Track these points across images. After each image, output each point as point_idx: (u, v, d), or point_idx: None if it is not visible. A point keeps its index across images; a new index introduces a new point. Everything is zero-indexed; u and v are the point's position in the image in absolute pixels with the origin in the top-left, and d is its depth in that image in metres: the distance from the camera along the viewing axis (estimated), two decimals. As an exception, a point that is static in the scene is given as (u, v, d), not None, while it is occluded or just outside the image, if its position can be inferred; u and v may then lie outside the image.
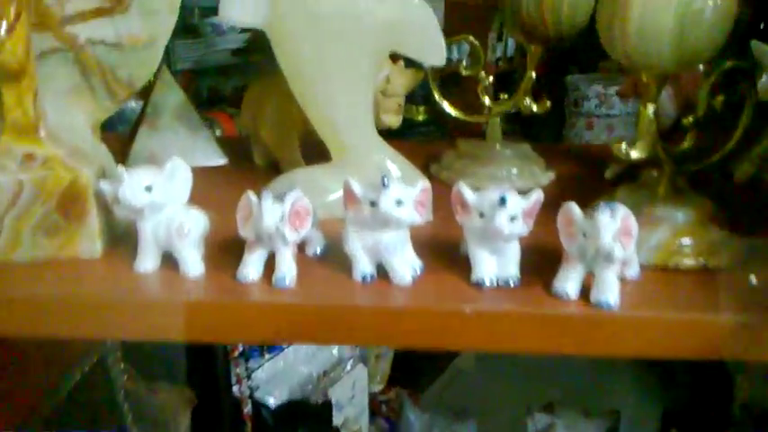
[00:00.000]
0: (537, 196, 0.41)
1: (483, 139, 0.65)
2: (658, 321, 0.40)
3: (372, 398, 1.32)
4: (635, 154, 0.45)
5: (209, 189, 0.52)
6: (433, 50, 0.50)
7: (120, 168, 0.43)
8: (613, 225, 0.38)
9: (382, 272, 0.43)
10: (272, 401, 1.11)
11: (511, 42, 1.92)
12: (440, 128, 1.68)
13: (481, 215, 0.41)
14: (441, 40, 0.50)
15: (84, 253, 0.46)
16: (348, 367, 1.23)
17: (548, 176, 0.63)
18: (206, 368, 1.05)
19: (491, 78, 0.63)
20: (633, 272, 0.43)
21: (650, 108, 0.45)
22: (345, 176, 0.43)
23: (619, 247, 0.38)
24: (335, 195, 0.49)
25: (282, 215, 0.41)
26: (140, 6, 0.48)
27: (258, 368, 1.12)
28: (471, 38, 0.63)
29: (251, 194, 0.43)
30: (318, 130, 0.53)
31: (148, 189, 0.43)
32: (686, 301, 0.41)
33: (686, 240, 0.45)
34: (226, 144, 0.70)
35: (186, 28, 1.55)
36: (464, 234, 0.43)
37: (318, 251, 0.48)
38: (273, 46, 0.50)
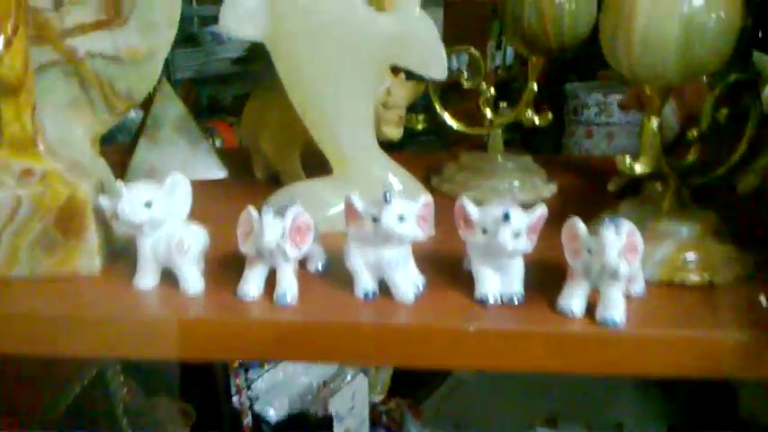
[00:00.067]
0: (541, 212, 0.41)
1: (484, 150, 0.65)
2: (665, 340, 0.39)
3: (373, 408, 1.31)
4: (639, 168, 0.45)
5: (209, 202, 0.51)
6: (435, 63, 0.50)
7: (120, 184, 0.42)
8: (619, 242, 0.38)
9: (384, 287, 0.43)
10: (271, 412, 1.10)
11: (510, 51, 1.92)
12: (439, 137, 1.68)
13: (484, 231, 0.41)
14: (442, 53, 0.50)
15: (83, 269, 0.46)
16: (348, 378, 1.22)
17: (550, 189, 0.62)
18: (205, 379, 1.05)
19: (492, 90, 0.63)
20: (638, 288, 0.43)
21: (654, 121, 0.44)
22: (346, 190, 0.43)
23: (624, 263, 0.38)
24: (337, 209, 0.49)
25: (283, 231, 0.41)
26: (139, 20, 0.48)
27: (258, 378, 1.12)
28: (472, 49, 0.62)
29: (252, 210, 0.42)
30: (319, 142, 0.52)
31: (148, 205, 0.42)
32: (693, 319, 0.41)
33: (691, 255, 0.45)
34: (226, 156, 0.69)
35: (186, 37, 1.55)
36: (467, 250, 0.43)
37: (320, 267, 0.47)
38: (274, 58, 0.50)
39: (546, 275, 0.43)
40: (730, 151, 0.48)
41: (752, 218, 0.52)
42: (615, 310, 0.39)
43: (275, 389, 1.14)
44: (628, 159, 0.45)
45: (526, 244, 0.40)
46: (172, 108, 0.66)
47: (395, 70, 0.57)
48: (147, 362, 0.94)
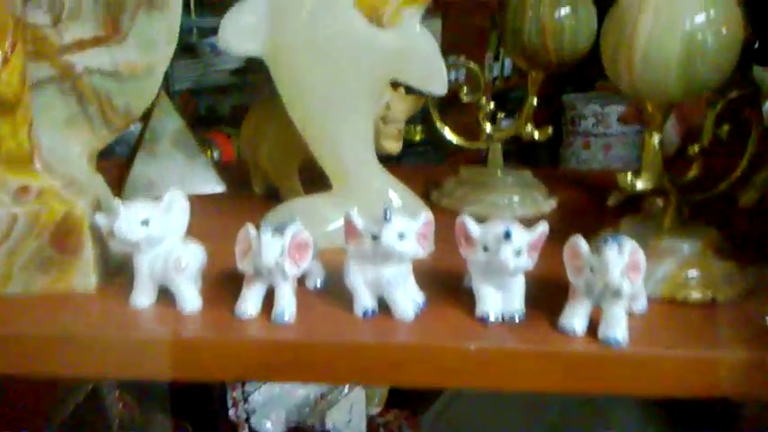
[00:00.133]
0: (542, 229, 0.40)
1: (482, 161, 0.65)
2: (668, 359, 0.39)
3: (370, 420, 1.30)
4: (641, 184, 0.45)
5: (207, 218, 0.51)
6: (435, 79, 0.49)
7: (117, 201, 0.42)
8: (621, 260, 0.38)
9: (384, 305, 0.42)
10: (268, 425, 1.09)
11: (508, 61, 1.93)
12: (437, 147, 1.68)
13: (486, 249, 0.40)
14: (442, 69, 0.49)
15: (79, 287, 0.45)
16: (345, 390, 1.21)
17: (549, 204, 0.62)
18: (201, 392, 1.04)
19: (492, 105, 0.63)
20: (641, 305, 0.42)
21: (656, 138, 0.44)
22: (346, 206, 0.42)
23: (627, 282, 0.38)
24: (336, 225, 0.49)
25: (282, 249, 0.41)
26: (138, 36, 0.48)
27: (254, 392, 1.11)
28: (472, 64, 0.62)
29: (250, 228, 0.42)
30: (319, 158, 0.52)
31: (145, 223, 0.42)
32: (696, 337, 0.40)
33: (693, 273, 0.44)
34: (224, 170, 0.69)
35: (185, 48, 1.55)
36: (468, 267, 0.43)
37: (318, 283, 0.47)
38: (273, 74, 0.50)
39: (547, 292, 0.42)
40: (729, 164, 0.48)
41: (754, 233, 0.52)
42: (618, 328, 0.39)
43: (272, 402, 1.13)
44: (629, 176, 0.45)
45: (527, 262, 0.40)
46: (170, 122, 0.66)
47: (394, 84, 0.57)
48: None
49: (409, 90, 0.57)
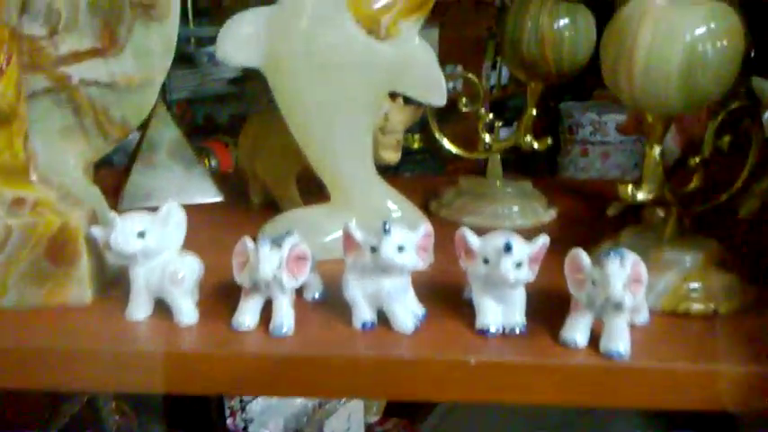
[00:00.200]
0: (542, 241, 0.40)
1: (480, 170, 0.64)
2: (670, 372, 0.38)
3: (368, 429, 1.29)
4: (641, 196, 0.44)
5: (205, 228, 0.51)
6: (434, 90, 0.49)
7: (113, 214, 0.42)
8: (623, 273, 0.37)
9: (383, 318, 0.42)
10: (266, 436, 1.09)
11: (505, 71, 1.93)
12: (435, 156, 1.68)
13: (486, 261, 0.40)
14: (441, 80, 0.49)
15: (74, 300, 0.44)
16: (344, 399, 1.21)
17: (549, 214, 0.62)
18: (199, 401, 1.03)
19: (491, 115, 0.62)
20: (642, 318, 0.42)
21: (656, 149, 0.44)
22: (344, 217, 0.42)
23: (629, 295, 0.37)
24: (334, 236, 0.48)
25: (280, 262, 0.40)
26: (135, 48, 0.47)
27: (252, 401, 1.10)
28: (471, 75, 0.62)
29: (248, 240, 0.41)
30: (317, 169, 0.52)
31: (141, 235, 0.41)
32: (698, 350, 0.40)
33: (694, 285, 0.44)
34: (221, 180, 0.69)
35: (182, 57, 1.55)
36: (468, 279, 0.42)
37: (316, 295, 0.46)
38: (272, 86, 0.49)
39: (548, 304, 0.42)
40: (729, 174, 0.48)
41: (754, 244, 0.52)
42: (620, 341, 0.38)
43: (270, 411, 1.12)
44: (630, 187, 0.44)
45: (528, 274, 0.40)
46: (167, 132, 0.66)
47: (392, 95, 0.57)
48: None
49: (408, 100, 0.57)
